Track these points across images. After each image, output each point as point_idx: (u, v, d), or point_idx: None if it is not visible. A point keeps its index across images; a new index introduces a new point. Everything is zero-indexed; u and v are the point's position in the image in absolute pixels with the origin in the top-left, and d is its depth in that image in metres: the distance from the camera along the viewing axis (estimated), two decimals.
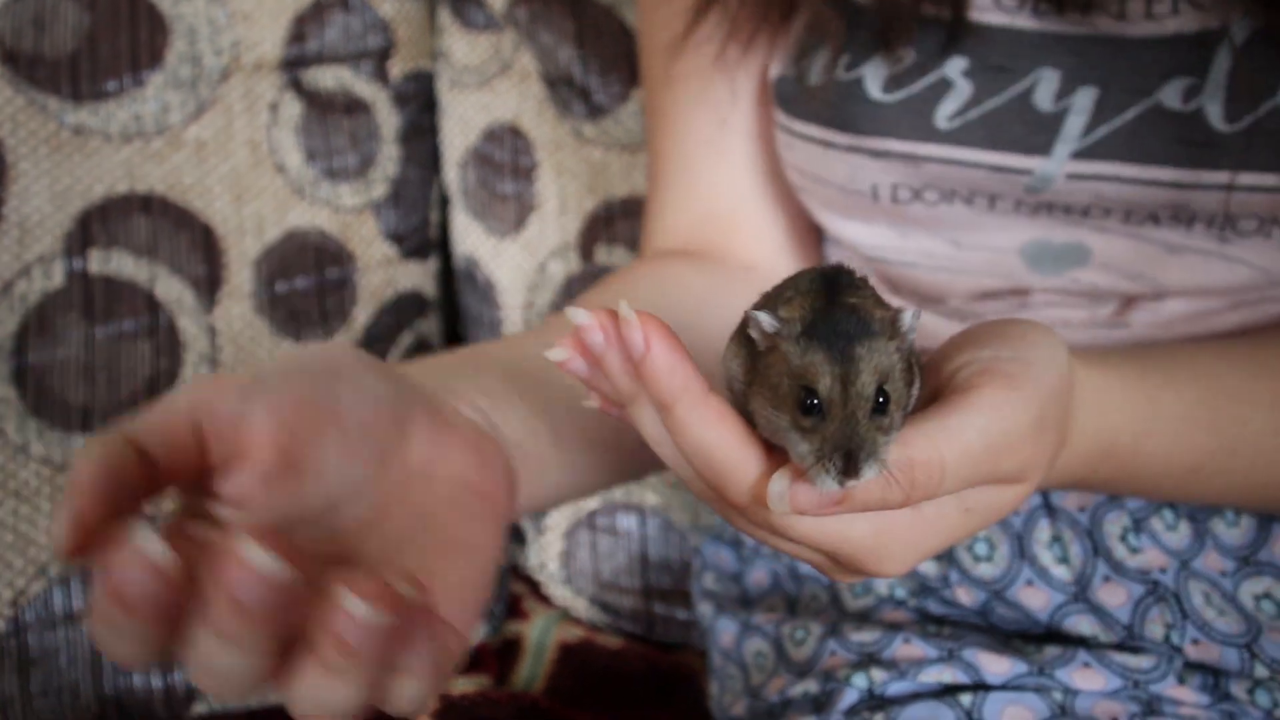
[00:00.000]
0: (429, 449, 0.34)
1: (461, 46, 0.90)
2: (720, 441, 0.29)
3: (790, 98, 0.54)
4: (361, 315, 0.83)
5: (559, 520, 0.84)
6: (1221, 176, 0.45)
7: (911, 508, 0.31)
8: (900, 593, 0.57)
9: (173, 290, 0.76)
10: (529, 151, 0.87)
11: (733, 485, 0.30)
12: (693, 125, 0.58)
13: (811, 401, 0.28)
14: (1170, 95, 0.46)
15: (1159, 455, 0.41)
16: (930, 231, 0.53)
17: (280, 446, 0.30)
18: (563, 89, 0.86)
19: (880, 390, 0.28)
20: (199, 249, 0.78)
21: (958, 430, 0.30)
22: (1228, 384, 0.43)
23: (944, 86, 0.49)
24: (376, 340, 0.83)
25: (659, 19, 0.59)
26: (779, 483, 0.28)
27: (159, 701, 0.71)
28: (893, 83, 0.50)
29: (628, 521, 0.82)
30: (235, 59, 0.80)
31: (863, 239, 0.55)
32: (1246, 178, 0.45)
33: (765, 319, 0.29)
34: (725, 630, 0.62)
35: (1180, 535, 0.52)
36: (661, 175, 0.60)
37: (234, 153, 0.80)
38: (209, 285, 0.77)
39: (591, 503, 0.83)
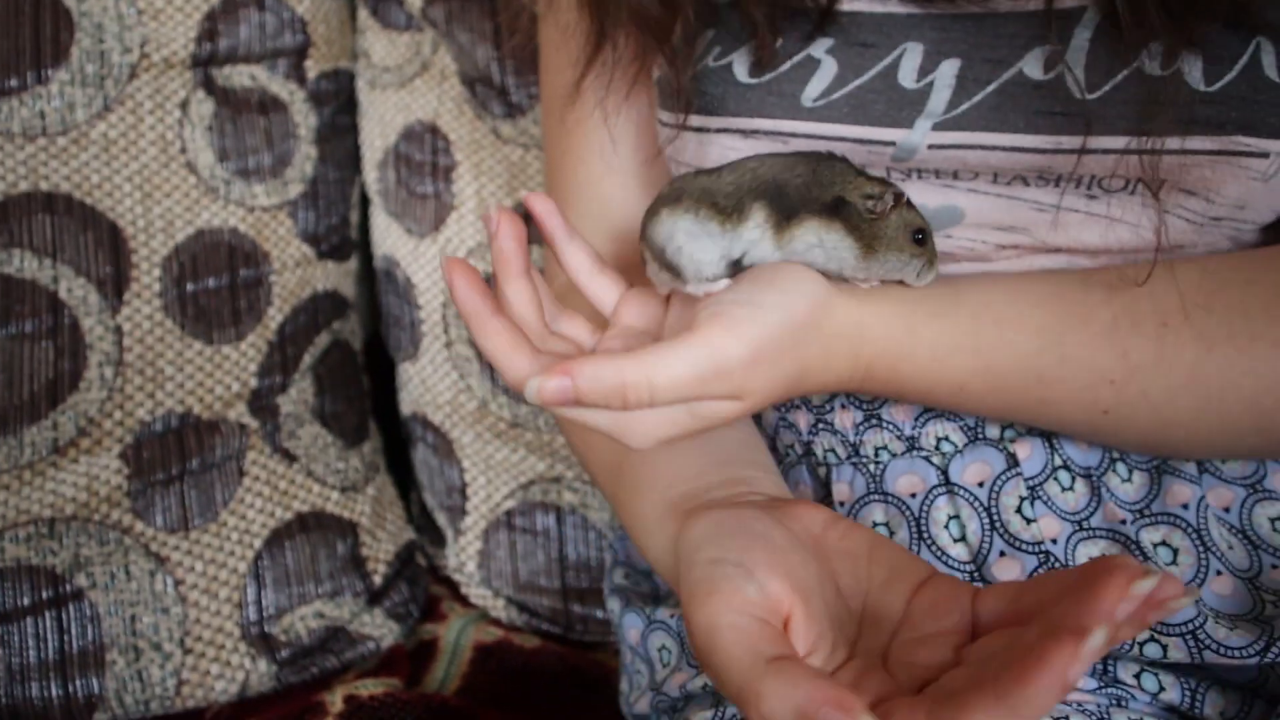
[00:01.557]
0: None
1: (381, 46, 0.90)
2: (497, 349, 0.42)
3: (669, 93, 0.55)
4: (276, 315, 0.82)
5: (477, 520, 0.84)
6: (1078, 141, 0.47)
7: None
8: None
9: (76, 290, 0.75)
10: (448, 151, 0.87)
11: (510, 380, 0.42)
12: (590, 166, 0.61)
13: (919, 236, 0.46)
14: (1031, 65, 0.48)
15: (918, 376, 0.48)
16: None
17: None
18: (481, 88, 0.86)
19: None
20: (105, 248, 0.76)
21: (670, 361, 0.39)
22: (997, 311, 0.48)
23: (810, 65, 0.50)
24: (291, 340, 0.82)
25: (554, 65, 0.63)
26: (532, 383, 0.38)
27: (58, 711, 0.69)
28: (760, 66, 0.51)
29: (546, 521, 0.82)
30: (144, 56, 0.79)
31: None
32: (1102, 141, 0.47)
33: (894, 193, 0.45)
34: (632, 626, 0.62)
35: (1077, 496, 0.53)
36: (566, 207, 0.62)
37: (143, 151, 0.79)
38: (115, 285, 0.76)
39: (509, 502, 0.83)
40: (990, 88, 0.48)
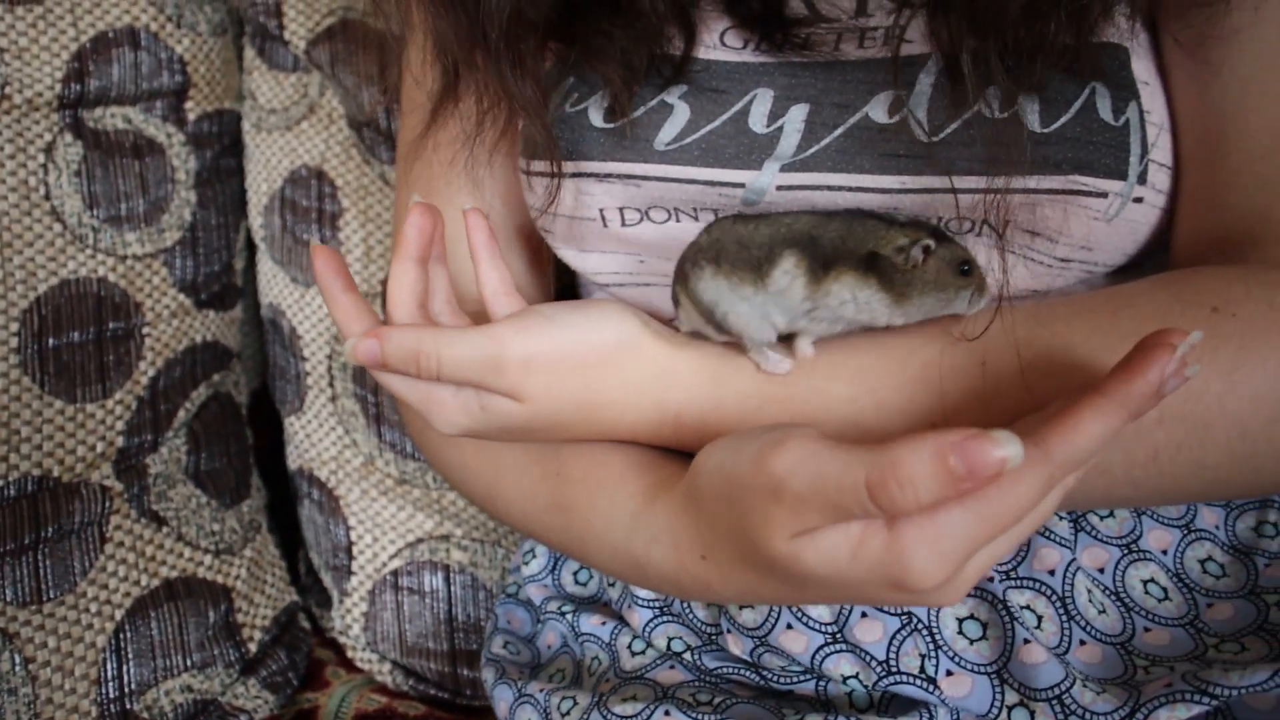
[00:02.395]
0: None
1: (267, 87, 0.87)
2: (339, 314, 0.47)
3: (527, 142, 0.54)
4: (148, 369, 0.78)
5: (363, 581, 0.80)
6: (924, 181, 0.48)
7: (450, 390, 0.47)
8: (678, 645, 0.56)
9: None
10: (334, 197, 0.84)
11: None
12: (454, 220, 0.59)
13: (965, 268, 0.45)
14: (877, 109, 0.49)
15: (728, 427, 0.48)
16: (665, 252, 0.54)
17: None
18: (369, 133, 0.84)
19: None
20: None
21: (458, 340, 0.44)
22: (808, 360, 0.48)
23: (664, 110, 0.51)
24: (164, 395, 0.78)
25: (407, 124, 0.62)
26: (349, 343, 0.44)
27: None
28: (615, 112, 0.51)
29: (434, 581, 0.79)
30: (4, 98, 0.75)
31: (603, 268, 0.56)
32: (948, 181, 0.47)
33: (923, 244, 0.44)
34: (502, 699, 0.60)
35: None
36: None
37: (2, 199, 0.75)
38: None
39: (396, 561, 0.80)
40: (837, 131, 0.49)
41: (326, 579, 0.83)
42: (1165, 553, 0.52)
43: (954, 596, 0.38)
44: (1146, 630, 0.50)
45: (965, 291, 0.46)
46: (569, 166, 0.52)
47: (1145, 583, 0.51)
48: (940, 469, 0.32)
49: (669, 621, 0.57)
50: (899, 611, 0.51)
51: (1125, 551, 0.52)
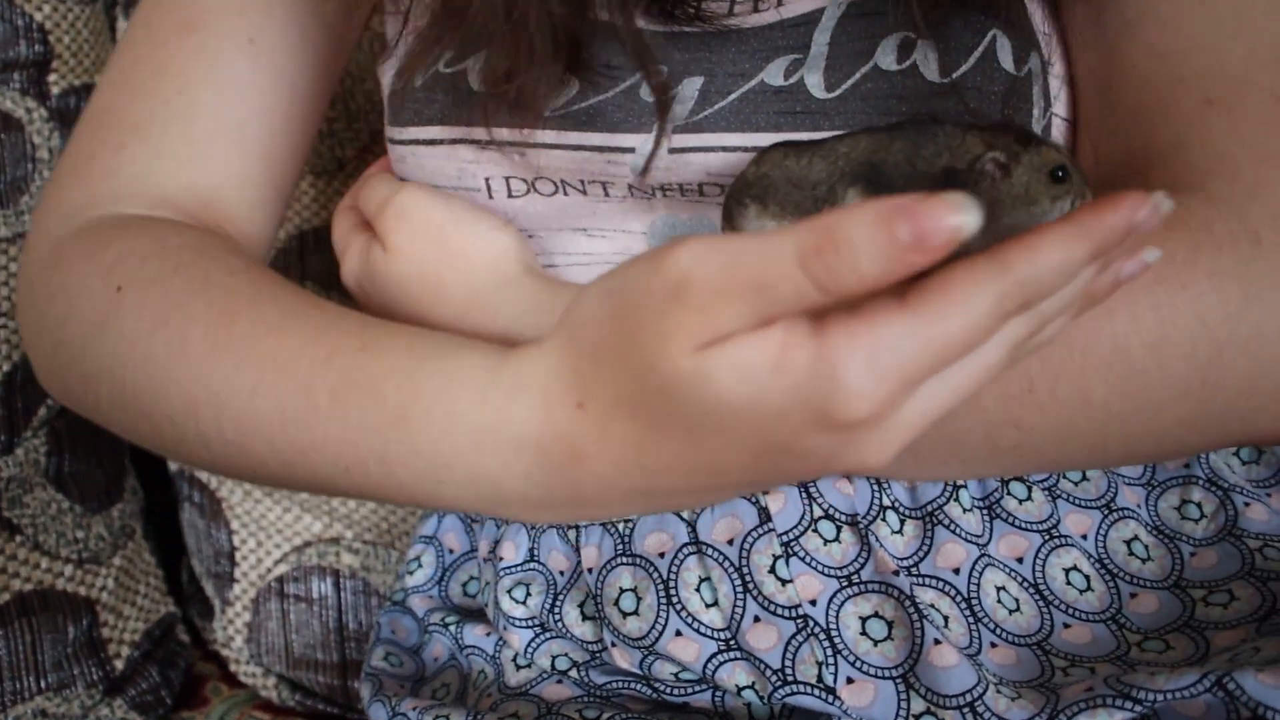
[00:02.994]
0: None
1: None
2: None
3: (398, 109, 0.49)
4: (2, 364, 0.71)
5: (245, 589, 0.75)
6: (822, 137, 0.44)
7: (363, 237, 0.50)
8: (562, 663, 0.51)
9: None
10: None
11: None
12: (214, 87, 0.53)
13: (1061, 173, 0.38)
14: (773, 74, 0.45)
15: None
16: (557, 226, 0.50)
17: None
18: None
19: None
20: None
21: (381, 179, 0.50)
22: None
23: (551, 81, 0.46)
24: (21, 391, 0.72)
25: None
26: None
27: None
28: (495, 74, 0.46)
29: (322, 587, 0.74)
30: None
31: None
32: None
33: (999, 155, 0.37)
34: (377, 717, 0.54)
35: (844, 547, 0.47)
36: (149, 124, 0.52)
37: None
38: None
39: (281, 567, 0.74)
40: (732, 96, 0.45)
41: (208, 587, 0.77)
42: (1086, 537, 0.48)
43: (887, 448, 0.31)
44: (1066, 626, 0.46)
45: (1062, 201, 0.38)
46: (445, 132, 0.47)
47: (1067, 571, 0.47)
48: (883, 235, 0.26)
49: (550, 639, 0.52)
50: (796, 616, 0.46)
51: (1045, 538, 0.48)
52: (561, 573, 0.52)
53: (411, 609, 0.61)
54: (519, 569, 0.53)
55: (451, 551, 0.62)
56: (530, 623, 0.52)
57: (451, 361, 0.38)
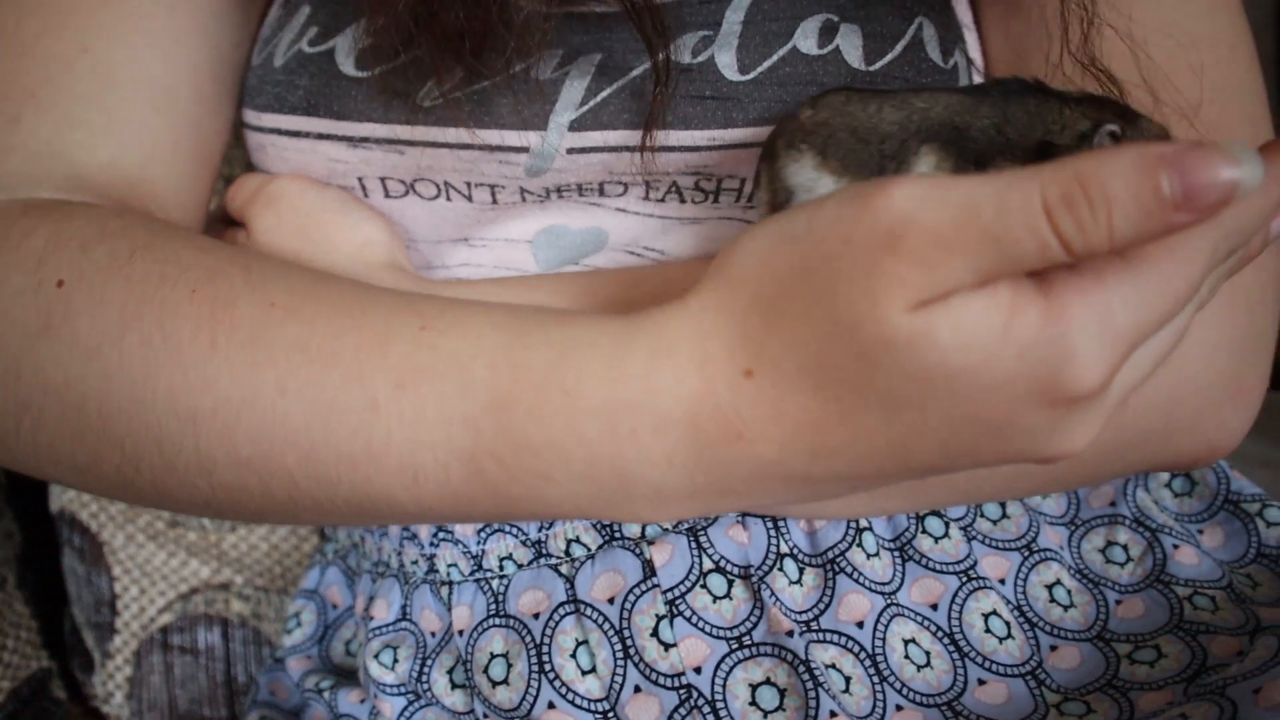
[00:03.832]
0: None
1: None
2: None
3: (256, 89, 0.44)
4: None
5: (127, 640, 0.69)
6: (735, 135, 0.40)
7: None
8: None
9: None
10: None
11: None
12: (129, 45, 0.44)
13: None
14: (680, 51, 0.41)
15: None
16: (436, 237, 0.45)
17: None
18: None
19: None
20: None
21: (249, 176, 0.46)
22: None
23: (425, 66, 0.40)
24: None
25: None
26: None
27: None
28: (371, 56, 0.41)
29: (210, 637, 0.68)
30: None
31: (373, 237, 0.46)
32: (760, 132, 0.40)
33: (1109, 130, 0.33)
34: None
35: (735, 604, 0.43)
36: (62, 90, 0.43)
37: None
38: None
39: (166, 616, 0.69)
40: (634, 73, 0.40)
41: (88, 638, 0.71)
42: (1004, 582, 0.44)
43: (1093, 428, 0.27)
44: (980, 683, 0.42)
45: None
46: (311, 124, 0.42)
47: (986, 617, 0.43)
48: (1146, 189, 0.23)
49: (424, 707, 0.47)
50: (678, 686, 0.42)
51: (962, 580, 0.44)
52: (433, 634, 0.48)
53: (289, 671, 0.56)
54: (389, 629, 0.49)
55: (335, 607, 0.57)
56: (401, 689, 0.48)
57: (561, 329, 0.31)
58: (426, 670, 0.47)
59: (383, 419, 0.31)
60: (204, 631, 0.68)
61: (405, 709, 0.47)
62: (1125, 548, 0.46)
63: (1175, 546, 0.46)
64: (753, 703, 0.41)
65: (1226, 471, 0.50)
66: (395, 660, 0.48)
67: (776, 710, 0.41)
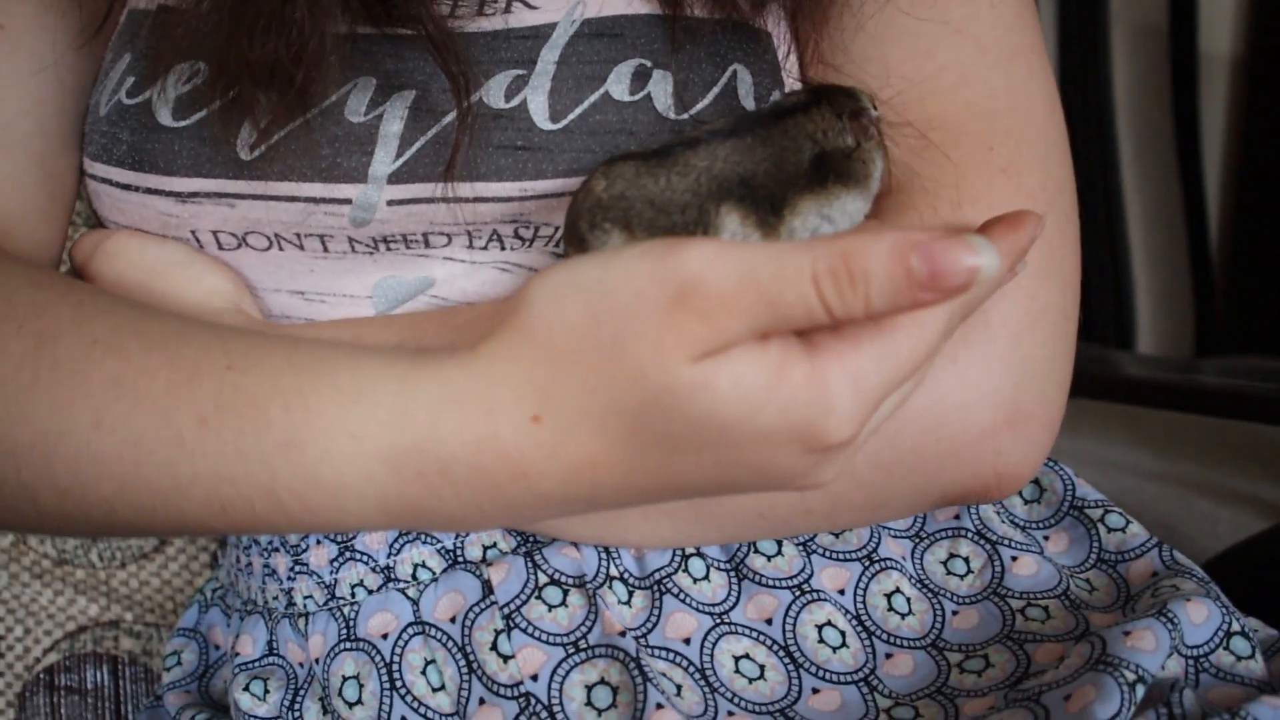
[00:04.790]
0: None
1: None
2: None
3: (88, 136, 0.46)
4: None
5: (10, 683, 0.68)
6: (547, 185, 0.42)
7: None
8: None
9: None
10: None
11: None
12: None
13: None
14: (494, 93, 0.43)
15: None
16: (271, 285, 0.46)
17: None
18: None
19: None
20: None
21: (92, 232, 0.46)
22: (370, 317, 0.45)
23: (243, 104, 0.41)
24: None
25: None
26: None
27: None
28: (186, 103, 0.42)
29: (97, 676, 0.68)
30: None
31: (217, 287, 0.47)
32: (570, 183, 0.42)
33: (854, 111, 0.36)
34: None
35: (571, 611, 0.45)
36: None
37: None
38: None
39: (51, 656, 0.68)
40: (446, 119, 0.42)
41: None
42: (844, 593, 0.47)
43: (843, 465, 0.32)
44: (815, 691, 0.44)
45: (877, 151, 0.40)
46: (139, 179, 0.43)
47: (820, 628, 0.46)
48: (899, 270, 0.26)
49: None
50: (518, 695, 0.43)
51: (795, 594, 0.46)
52: (300, 664, 0.49)
53: (167, 707, 0.56)
54: (256, 664, 0.50)
55: (216, 647, 0.58)
56: None
57: (350, 375, 0.33)
58: (299, 700, 0.48)
59: (187, 453, 0.33)
60: (92, 670, 0.68)
61: None
62: (966, 560, 0.49)
63: (1014, 558, 0.49)
64: (588, 703, 0.43)
65: (1073, 479, 0.53)
66: (266, 692, 0.48)
67: (609, 708, 0.43)
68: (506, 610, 0.45)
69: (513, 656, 0.44)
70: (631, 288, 0.29)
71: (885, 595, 0.47)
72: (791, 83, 0.46)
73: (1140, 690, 0.39)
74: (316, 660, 0.47)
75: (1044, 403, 0.42)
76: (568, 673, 0.44)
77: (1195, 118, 1.36)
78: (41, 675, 0.68)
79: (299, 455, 0.32)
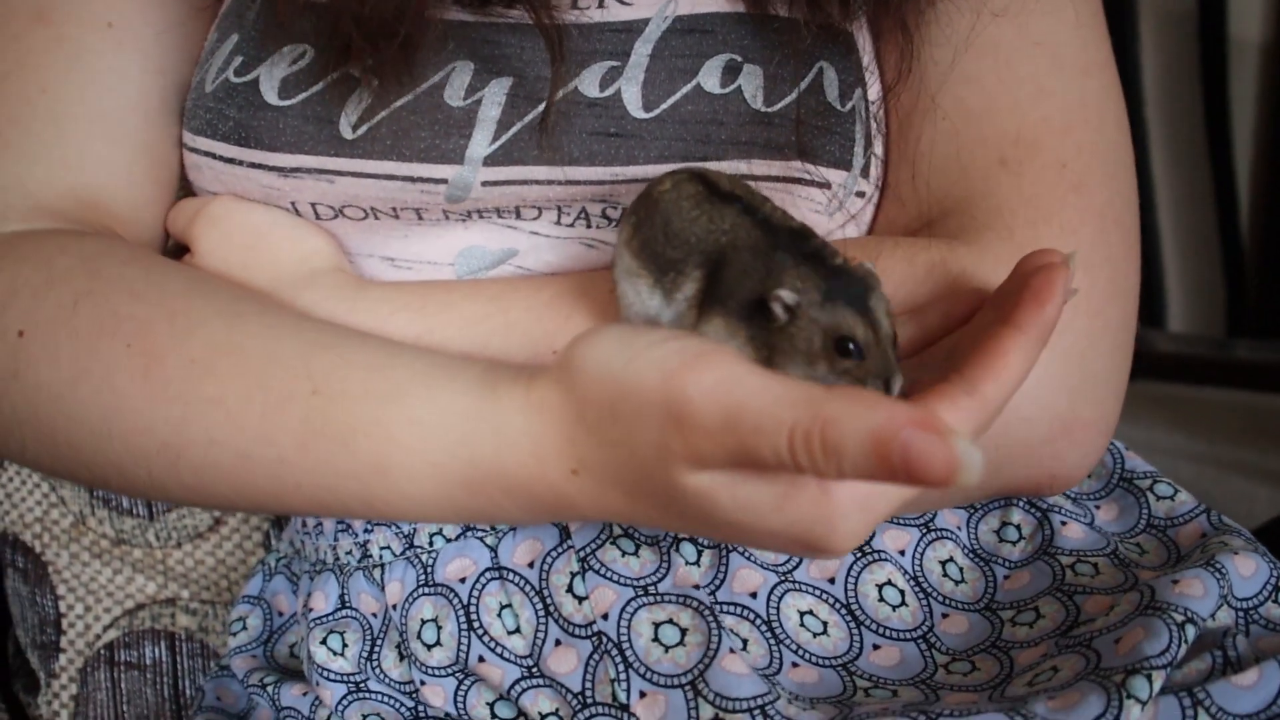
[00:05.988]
0: None
1: None
2: None
3: (191, 112, 0.48)
4: None
5: (73, 658, 0.70)
6: (636, 171, 0.44)
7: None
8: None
9: None
10: None
11: None
12: (78, 80, 0.49)
13: (850, 346, 0.35)
14: (588, 82, 0.44)
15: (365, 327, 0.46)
16: (365, 250, 0.49)
17: None
18: None
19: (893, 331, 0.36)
20: None
21: (188, 201, 0.50)
22: (449, 285, 0.46)
23: (348, 83, 0.44)
24: None
25: None
26: None
27: None
28: (292, 84, 0.44)
29: (156, 651, 0.70)
30: None
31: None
32: (661, 169, 0.43)
33: (788, 295, 0.35)
34: None
35: (642, 561, 0.46)
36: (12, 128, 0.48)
37: None
38: None
39: (111, 633, 0.70)
40: (542, 105, 0.44)
41: (33, 659, 0.72)
42: (904, 554, 0.48)
43: (850, 550, 0.34)
44: (875, 648, 0.45)
45: (840, 378, 0.35)
46: (244, 154, 0.45)
47: (880, 587, 0.47)
48: (875, 455, 0.27)
49: (362, 699, 0.49)
50: (591, 635, 0.45)
51: (857, 555, 0.47)
52: (374, 615, 0.50)
53: (234, 671, 0.58)
54: (330, 618, 0.51)
55: (281, 614, 0.59)
56: (344, 678, 0.50)
57: (425, 409, 0.37)
58: (377, 650, 0.49)
59: (291, 469, 0.38)
60: (150, 646, 0.70)
61: (344, 697, 0.49)
62: (1018, 527, 0.49)
63: (1063, 523, 0.49)
64: (655, 639, 0.44)
65: (1122, 452, 0.54)
66: (344, 645, 0.50)
67: (677, 645, 0.44)
68: (583, 553, 0.46)
69: (587, 597, 0.45)
70: (643, 395, 0.32)
71: (940, 563, 0.48)
72: (874, 81, 0.47)
73: (1190, 631, 0.39)
74: (394, 606, 0.48)
75: (1101, 411, 0.44)
76: (635, 610, 0.45)
77: (1225, 102, 1.35)
78: (102, 651, 0.70)
79: (384, 477, 0.37)
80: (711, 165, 0.44)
